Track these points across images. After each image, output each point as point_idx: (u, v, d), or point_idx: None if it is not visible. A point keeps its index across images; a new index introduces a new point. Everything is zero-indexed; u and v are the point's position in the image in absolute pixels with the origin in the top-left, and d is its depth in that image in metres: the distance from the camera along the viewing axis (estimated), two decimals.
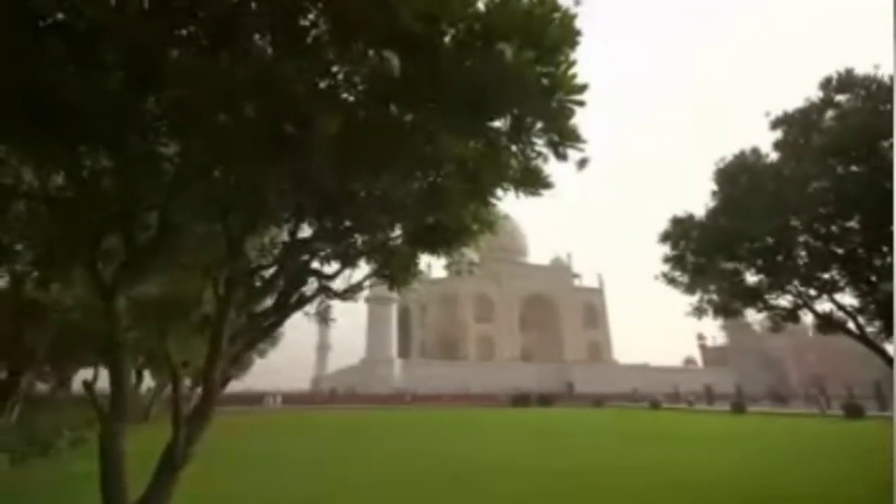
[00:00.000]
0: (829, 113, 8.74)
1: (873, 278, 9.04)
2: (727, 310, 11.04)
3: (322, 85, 3.35)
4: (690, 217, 10.95)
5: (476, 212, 4.55)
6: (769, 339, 63.24)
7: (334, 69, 3.32)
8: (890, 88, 7.87)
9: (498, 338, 66.83)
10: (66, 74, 3.02)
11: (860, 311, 9.74)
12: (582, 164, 3.71)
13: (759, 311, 11.08)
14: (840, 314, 9.96)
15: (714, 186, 10.47)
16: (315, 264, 4.92)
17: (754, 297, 10.50)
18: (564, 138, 3.50)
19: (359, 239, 4.89)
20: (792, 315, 10.50)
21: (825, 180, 8.26)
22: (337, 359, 77.88)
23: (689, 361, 79.74)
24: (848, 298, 9.95)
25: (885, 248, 8.43)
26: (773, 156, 9.79)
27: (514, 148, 3.71)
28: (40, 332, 11.97)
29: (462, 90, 3.09)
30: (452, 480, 8.17)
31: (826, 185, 8.22)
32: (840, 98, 8.66)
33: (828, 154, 8.07)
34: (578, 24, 3.16)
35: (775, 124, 9.62)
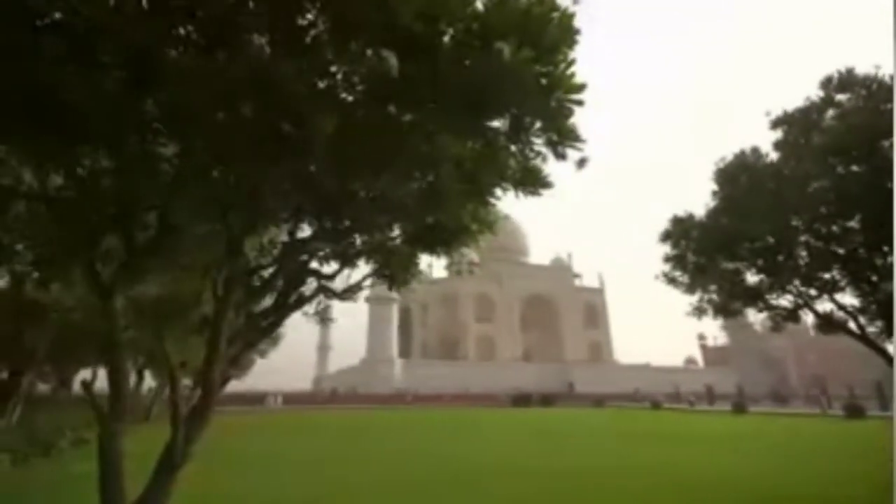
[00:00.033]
0: (830, 112, 8.73)
1: (874, 278, 9.02)
2: (727, 310, 11.02)
3: (321, 85, 3.35)
4: (691, 217, 10.94)
5: (475, 212, 4.54)
6: (770, 339, 63.18)
7: (333, 69, 3.32)
8: (890, 88, 7.85)
9: (498, 338, 66.82)
10: (64, 74, 3.03)
11: (861, 311, 9.71)
12: (581, 163, 3.71)
13: (760, 311, 11.06)
14: (841, 314, 9.94)
15: (714, 186, 10.46)
16: (314, 264, 4.92)
17: (755, 296, 10.48)
18: (563, 138, 3.49)
19: (358, 239, 4.89)
20: (792, 315, 10.48)
21: (826, 180, 8.24)
22: (338, 359, 78.01)
23: (690, 361, 79.66)
24: (849, 298, 9.94)
25: (885, 248, 8.41)
26: (774, 155, 9.78)
27: (513, 148, 3.71)
28: (40, 333, 11.99)
29: (460, 90, 3.09)
30: (453, 480, 8.17)
31: (826, 185, 8.21)
32: (841, 97, 8.64)
33: (828, 153, 8.06)
34: (577, 23, 3.16)
35: (776, 124, 9.60)
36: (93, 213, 3.49)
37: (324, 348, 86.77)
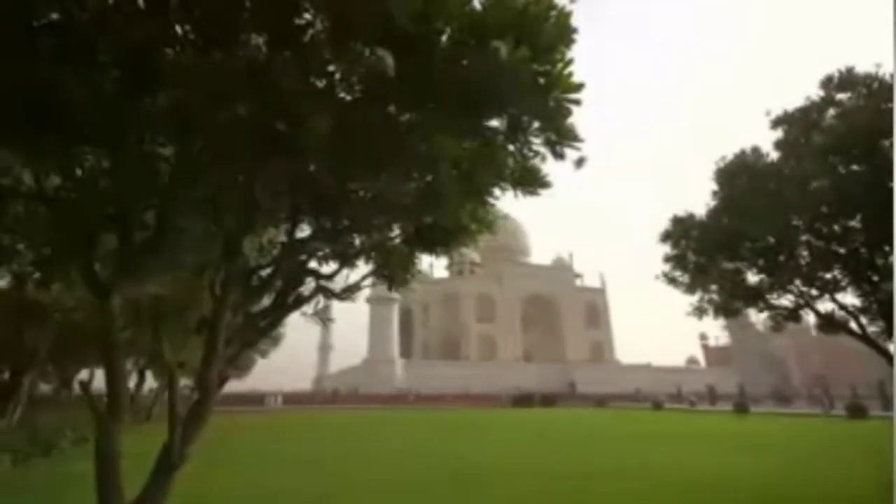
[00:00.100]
0: (831, 112, 8.70)
1: (875, 278, 8.99)
2: (728, 310, 10.99)
3: (320, 84, 3.35)
4: (691, 216, 10.91)
5: (474, 211, 4.54)
6: (772, 339, 63.09)
7: (331, 68, 3.31)
8: (891, 87, 7.83)
9: (500, 338, 66.82)
10: (62, 74, 3.03)
11: (862, 310, 9.68)
12: (579, 162, 3.70)
13: (761, 310, 11.04)
14: (842, 314, 9.91)
15: (714, 186, 10.44)
16: (313, 264, 4.92)
17: (755, 296, 10.46)
18: (562, 137, 3.49)
19: (357, 239, 4.88)
20: (793, 315, 10.45)
21: (826, 179, 8.21)
22: (339, 359, 78.10)
23: (692, 361, 79.55)
24: (850, 298, 9.91)
25: (886, 248, 8.39)
26: (774, 155, 9.75)
27: (511, 147, 3.71)
28: (42, 333, 12.02)
29: (458, 89, 3.08)
30: (453, 480, 8.17)
31: (827, 185, 8.17)
32: (841, 96, 8.61)
33: (829, 153, 8.03)
34: (576, 23, 3.16)
35: (776, 123, 9.57)
36: (91, 213, 3.49)
37: (325, 348, 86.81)
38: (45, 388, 30.38)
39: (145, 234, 3.64)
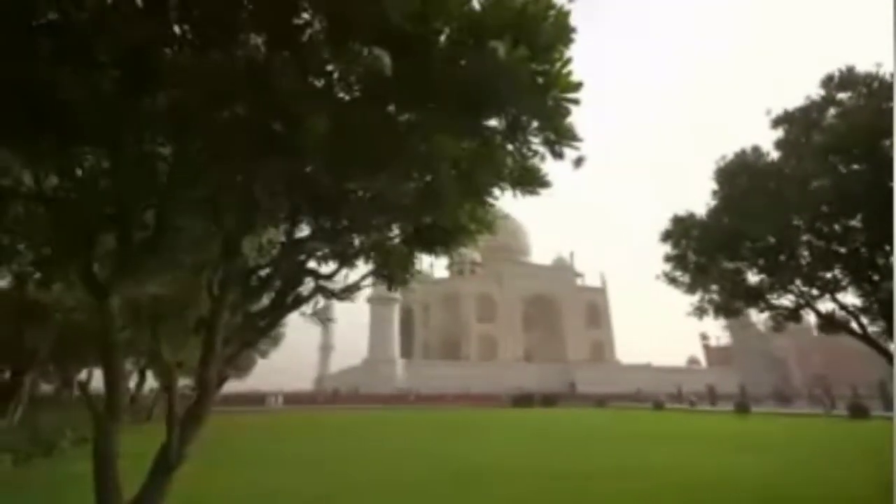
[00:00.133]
0: (831, 111, 8.69)
1: (876, 277, 8.98)
2: (728, 309, 10.99)
3: (318, 84, 3.35)
4: (691, 216, 10.91)
5: (473, 211, 4.53)
6: (773, 339, 62.94)
7: (329, 67, 3.31)
8: (891, 86, 7.82)
9: (500, 338, 66.79)
10: (61, 74, 3.03)
11: (863, 310, 9.67)
12: (578, 162, 3.69)
13: (761, 310, 11.03)
14: (842, 314, 9.90)
15: (715, 185, 10.43)
16: (312, 264, 4.92)
17: (756, 296, 10.45)
18: (561, 137, 3.48)
19: (356, 239, 4.88)
20: (794, 315, 10.44)
21: (827, 179, 8.20)
22: (340, 359, 78.11)
23: (693, 361, 79.45)
24: (850, 298, 9.90)
25: (887, 247, 8.38)
26: (774, 154, 9.74)
27: (510, 147, 3.70)
28: (42, 333, 12.03)
29: (456, 89, 3.08)
30: (453, 480, 8.16)
31: (828, 184, 8.17)
32: (842, 96, 8.61)
33: (829, 152, 8.03)
34: (575, 22, 3.15)
35: (776, 123, 9.57)
36: (90, 213, 3.49)
37: (326, 348, 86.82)
38: (46, 388, 30.42)
39: (144, 234, 3.64)
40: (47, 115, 3.16)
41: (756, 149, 10.05)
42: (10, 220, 4.74)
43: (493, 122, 3.49)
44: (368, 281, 5.50)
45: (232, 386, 35.46)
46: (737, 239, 9.75)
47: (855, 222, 8.71)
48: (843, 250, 9.10)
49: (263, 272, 4.55)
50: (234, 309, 4.18)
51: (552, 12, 2.99)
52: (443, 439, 15.77)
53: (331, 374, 75.08)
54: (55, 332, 12.51)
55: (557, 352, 68.15)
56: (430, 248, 4.90)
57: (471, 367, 57.15)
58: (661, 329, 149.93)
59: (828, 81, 8.71)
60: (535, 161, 3.81)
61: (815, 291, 10.00)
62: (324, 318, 5.71)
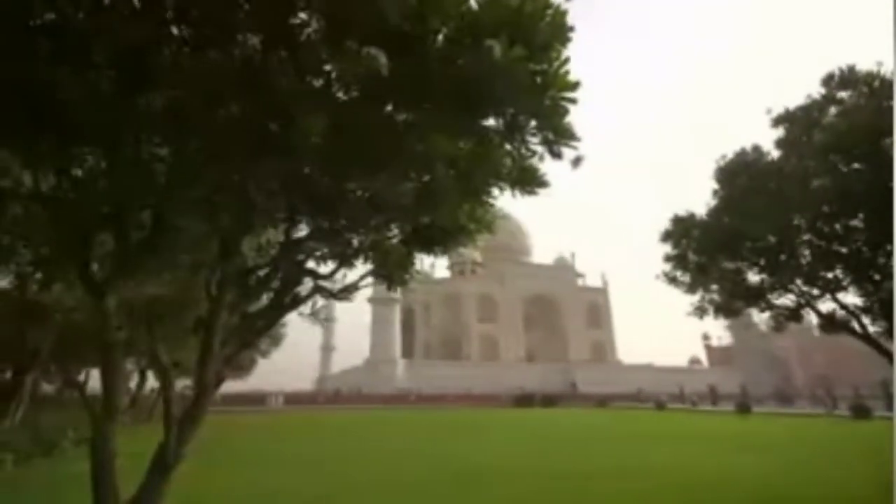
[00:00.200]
0: (832, 110, 8.65)
1: (877, 277, 8.95)
2: (729, 309, 10.96)
3: (317, 83, 3.35)
4: (691, 216, 10.88)
5: (472, 211, 4.52)
6: (775, 339, 62.72)
7: (327, 67, 3.31)
8: (892, 85, 7.78)
9: (501, 338, 66.78)
10: (59, 74, 3.03)
11: (864, 310, 9.63)
12: (576, 162, 3.68)
13: (762, 310, 11.00)
14: (843, 314, 9.86)
15: (715, 185, 10.40)
16: (311, 264, 4.92)
17: (756, 296, 10.41)
18: (559, 136, 3.47)
19: (355, 239, 4.88)
20: (794, 315, 10.41)
21: (828, 178, 8.17)
22: (341, 359, 78.19)
23: (695, 361, 79.31)
24: (851, 298, 9.87)
25: (888, 247, 8.34)
26: (775, 154, 9.71)
27: (508, 146, 3.70)
28: (43, 333, 12.05)
29: (454, 88, 3.07)
30: (454, 480, 8.16)
31: (828, 183, 8.13)
32: (842, 95, 8.57)
33: (830, 151, 7.99)
34: (575, 22, 3.14)
35: (777, 122, 9.53)
36: (87, 213, 3.49)
37: (327, 349, 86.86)
38: (47, 388, 30.47)
39: (142, 234, 3.64)
40: (46, 115, 3.16)
41: (756, 148, 10.02)
42: (9, 221, 4.75)
43: (490, 122, 3.48)
44: (367, 281, 5.49)
45: (233, 386, 35.59)
46: (737, 238, 9.72)
47: (856, 222, 8.67)
48: (844, 250, 9.07)
49: (262, 272, 4.55)
50: (232, 309, 4.18)
51: (549, 11, 2.99)
52: (443, 439, 15.77)
53: (332, 374, 75.17)
54: (56, 332, 12.52)
55: (559, 352, 68.12)
56: (429, 248, 4.89)
57: (472, 368, 57.15)
58: (663, 329, 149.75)
59: (828, 80, 8.68)
60: (534, 161, 3.80)
61: (815, 291, 9.96)
62: (322, 318, 5.71)
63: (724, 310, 11.07)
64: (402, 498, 7.00)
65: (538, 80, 3.14)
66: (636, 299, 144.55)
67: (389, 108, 3.43)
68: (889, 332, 9.27)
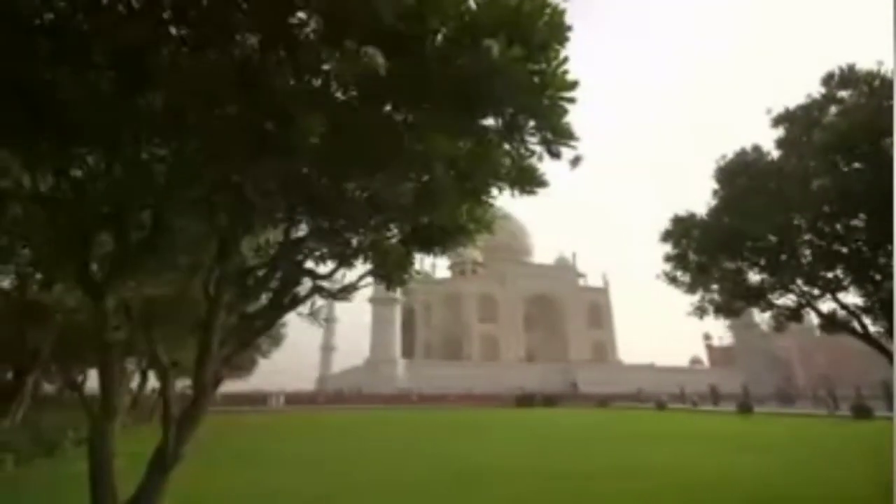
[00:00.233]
0: (832, 109, 8.65)
1: (878, 277, 8.93)
2: (729, 309, 10.96)
3: (316, 83, 3.35)
4: (692, 216, 10.87)
5: (471, 211, 4.52)
6: (776, 339, 62.62)
7: (326, 67, 3.31)
8: (892, 84, 7.77)
9: (502, 338, 66.74)
10: (59, 75, 3.04)
11: (865, 310, 9.62)
12: (575, 161, 3.68)
13: (762, 310, 11.00)
14: (844, 314, 9.85)
15: (715, 184, 10.40)
16: (309, 264, 4.92)
17: (757, 296, 10.41)
18: (557, 136, 3.47)
19: (354, 239, 4.88)
20: (795, 315, 10.40)
21: (828, 177, 8.16)
22: (342, 359, 78.21)
23: (696, 361, 79.22)
24: (852, 297, 9.86)
25: (889, 247, 8.33)
26: (775, 153, 9.71)
27: (506, 146, 3.70)
28: (44, 333, 12.06)
29: (452, 88, 3.07)
30: (454, 480, 8.16)
31: (829, 183, 8.12)
32: (843, 94, 8.56)
33: (830, 151, 7.98)
34: (574, 22, 3.14)
35: (777, 121, 9.52)
36: (86, 214, 3.50)
37: (328, 349, 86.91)
38: (49, 388, 30.49)
39: (141, 234, 3.65)
40: (46, 116, 3.17)
41: (757, 148, 10.02)
42: (9, 221, 4.76)
43: (489, 122, 3.48)
44: (367, 281, 5.49)
45: (234, 386, 35.61)
46: (737, 238, 9.71)
47: (857, 221, 8.66)
48: (844, 250, 9.06)
49: (260, 272, 4.55)
50: (231, 309, 4.18)
51: (547, 10, 2.99)
52: (444, 439, 15.77)
53: (333, 374, 75.19)
54: (57, 332, 12.54)
55: (559, 352, 68.07)
56: (428, 248, 4.89)
57: (472, 368, 57.10)
58: (664, 329, 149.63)
59: (828, 79, 8.67)
60: (533, 161, 3.80)
61: (816, 291, 9.96)
62: (321, 318, 5.71)
63: (724, 310, 11.07)
64: (403, 498, 7.00)
65: (536, 79, 3.14)
66: (637, 299, 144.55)
67: (388, 107, 3.43)
68: (889, 332, 9.25)
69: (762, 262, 10.07)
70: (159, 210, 3.56)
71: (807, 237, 9.41)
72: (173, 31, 3.13)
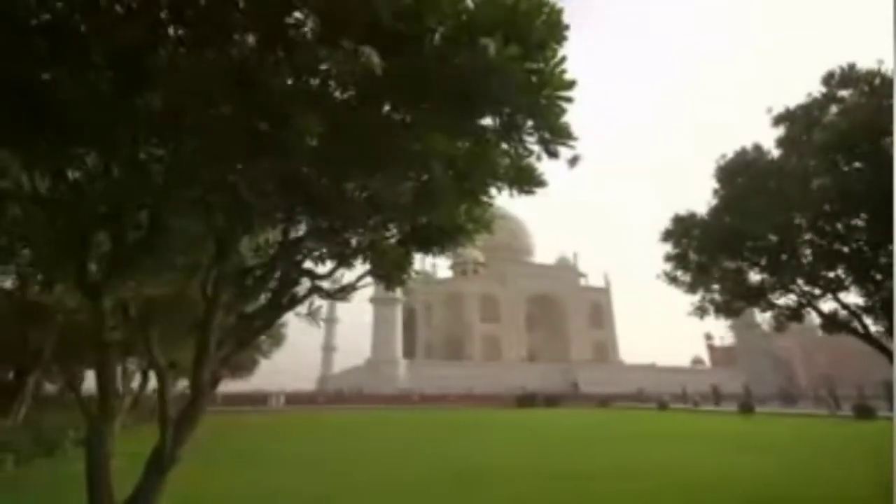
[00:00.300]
0: (832, 108, 8.63)
1: (879, 276, 8.91)
2: (729, 309, 10.94)
3: (313, 83, 3.35)
4: (692, 215, 10.86)
5: (470, 211, 4.52)
6: (778, 339, 62.51)
7: (323, 66, 3.31)
8: (892, 83, 7.75)
9: (503, 338, 66.71)
10: (57, 75, 3.04)
11: (866, 310, 9.60)
12: (573, 161, 3.67)
13: (763, 310, 10.98)
14: (844, 313, 9.83)
15: (716, 184, 10.38)
16: (308, 264, 4.92)
17: (757, 296, 10.39)
18: (555, 136, 3.46)
19: (353, 239, 4.88)
20: (796, 314, 10.38)
21: (828, 177, 8.14)
22: (343, 359, 78.23)
23: (697, 361, 79.09)
24: (853, 297, 9.84)
25: (890, 246, 8.31)
26: (775, 153, 9.69)
27: (505, 146, 3.69)
28: (45, 334, 12.09)
29: (450, 88, 3.07)
30: (455, 480, 8.15)
31: (829, 182, 8.11)
32: (843, 93, 8.55)
33: (831, 150, 7.96)
34: (575, 22, 3.14)
35: (777, 121, 9.51)
36: (84, 214, 3.50)
37: (328, 349, 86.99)
38: (50, 388, 30.55)
39: (138, 234, 3.65)
40: (45, 116, 3.17)
41: (757, 147, 10.00)
42: (8, 222, 4.77)
43: (487, 121, 3.48)
44: (366, 281, 5.49)
45: (235, 386, 35.65)
46: (738, 238, 9.70)
47: (857, 221, 8.64)
48: (845, 249, 9.04)
49: (259, 272, 4.55)
50: (229, 309, 4.18)
51: (545, 10, 2.98)
52: (445, 439, 15.76)
53: (333, 374, 75.23)
54: (57, 332, 12.56)
55: (561, 352, 68.01)
56: (427, 248, 4.88)
57: (474, 368, 57.06)
58: (665, 329, 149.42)
59: (829, 78, 8.65)
60: (531, 160, 3.79)
61: (817, 291, 9.94)
62: (320, 318, 5.71)
63: (724, 309, 11.05)
64: (403, 498, 6.99)
65: (534, 78, 3.13)
66: (638, 299, 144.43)
67: (387, 107, 3.43)
68: (890, 332, 9.23)
69: (763, 261, 10.06)
70: (157, 210, 3.56)
71: (807, 237, 9.40)
72: (171, 31, 3.13)
